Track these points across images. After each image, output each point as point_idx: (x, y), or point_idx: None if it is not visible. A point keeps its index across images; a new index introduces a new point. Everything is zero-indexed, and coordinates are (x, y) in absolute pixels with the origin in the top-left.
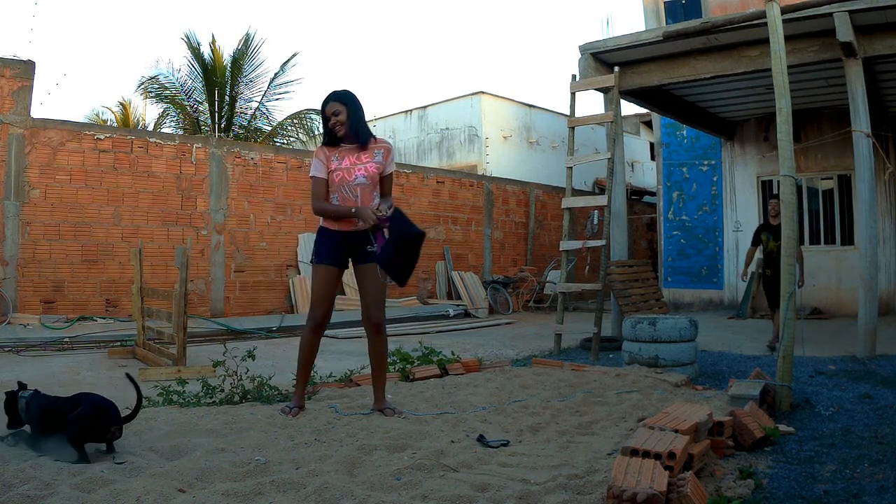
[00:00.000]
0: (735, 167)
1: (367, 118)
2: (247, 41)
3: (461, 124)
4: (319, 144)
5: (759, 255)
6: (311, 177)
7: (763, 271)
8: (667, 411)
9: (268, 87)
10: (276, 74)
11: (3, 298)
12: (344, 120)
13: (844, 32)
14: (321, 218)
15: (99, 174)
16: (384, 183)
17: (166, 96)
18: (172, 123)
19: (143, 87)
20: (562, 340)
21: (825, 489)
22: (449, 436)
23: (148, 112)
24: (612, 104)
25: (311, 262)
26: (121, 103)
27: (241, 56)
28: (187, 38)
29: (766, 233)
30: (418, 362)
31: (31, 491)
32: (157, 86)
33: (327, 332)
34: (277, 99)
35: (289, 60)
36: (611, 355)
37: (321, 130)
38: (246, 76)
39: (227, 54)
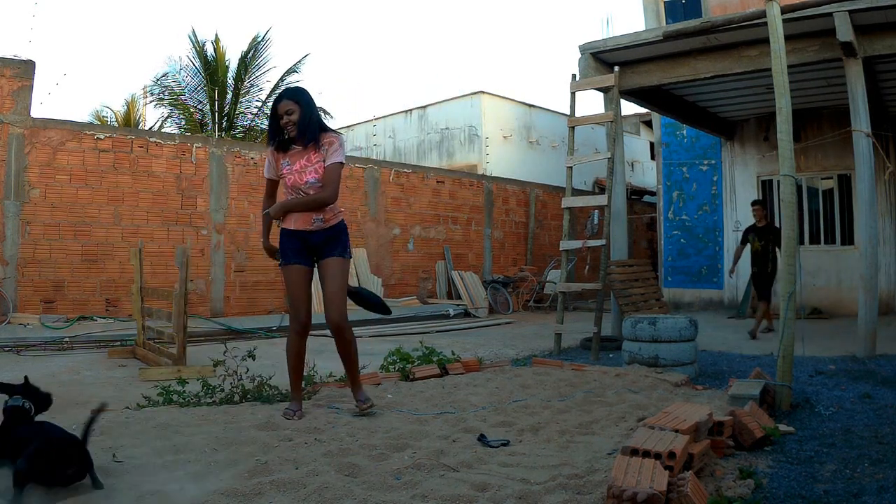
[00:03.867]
0: (735, 167)
1: (367, 118)
2: (255, 42)
3: (461, 124)
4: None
5: None
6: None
7: (752, 268)
8: (667, 411)
9: (274, 87)
10: (286, 72)
11: (3, 298)
12: (296, 120)
13: (844, 32)
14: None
15: (99, 174)
16: (325, 173)
17: (169, 96)
18: (173, 123)
19: (147, 87)
20: (562, 340)
21: (825, 489)
22: (449, 435)
23: (148, 112)
24: (612, 104)
25: (280, 266)
26: (126, 101)
27: (248, 56)
28: (190, 36)
29: (753, 234)
30: (418, 362)
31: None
32: (160, 86)
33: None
34: None
35: (300, 61)
36: (611, 355)
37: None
38: (252, 76)
39: (231, 53)
